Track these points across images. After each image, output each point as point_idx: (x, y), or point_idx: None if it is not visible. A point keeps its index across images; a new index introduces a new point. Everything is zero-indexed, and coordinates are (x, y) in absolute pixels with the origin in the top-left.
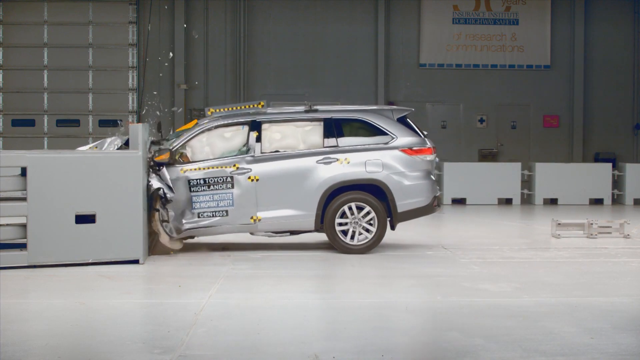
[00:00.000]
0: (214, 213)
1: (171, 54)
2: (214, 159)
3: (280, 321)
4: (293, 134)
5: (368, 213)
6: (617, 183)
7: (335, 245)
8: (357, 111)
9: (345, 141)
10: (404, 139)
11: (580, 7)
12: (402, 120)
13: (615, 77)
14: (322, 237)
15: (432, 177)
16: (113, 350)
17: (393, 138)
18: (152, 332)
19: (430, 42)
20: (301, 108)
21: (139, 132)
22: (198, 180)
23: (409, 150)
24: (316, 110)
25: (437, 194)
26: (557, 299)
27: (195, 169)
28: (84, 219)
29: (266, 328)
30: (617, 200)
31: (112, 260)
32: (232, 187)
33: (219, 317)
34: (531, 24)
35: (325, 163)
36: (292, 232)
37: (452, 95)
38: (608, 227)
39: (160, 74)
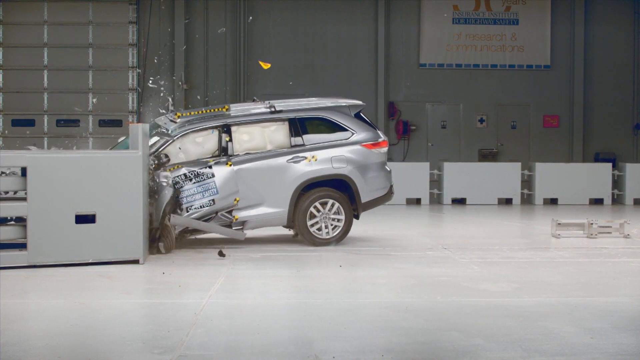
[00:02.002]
0: (201, 205)
1: (183, 47)
2: (188, 161)
3: (280, 321)
4: (263, 135)
5: (337, 207)
6: (617, 183)
7: (307, 239)
8: (318, 109)
9: (310, 139)
10: (363, 133)
11: (580, 7)
12: (358, 115)
13: (615, 77)
14: None
15: (386, 167)
16: (113, 350)
17: (353, 133)
18: (152, 332)
19: (430, 42)
20: (261, 106)
21: (139, 132)
22: (180, 177)
23: (368, 144)
24: (280, 111)
25: (392, 183)
26: (557, 299)
27: (175, 167)
28: (84, 219)
29: (266, 328)
30: (617, 200)
31: (112, 260)
32: (214, 176)
33: (219, 317)
34: (531, 24)
35: (295, 162)
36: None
37: (452, 95)
38: (608, 227)
39: (159, 72)
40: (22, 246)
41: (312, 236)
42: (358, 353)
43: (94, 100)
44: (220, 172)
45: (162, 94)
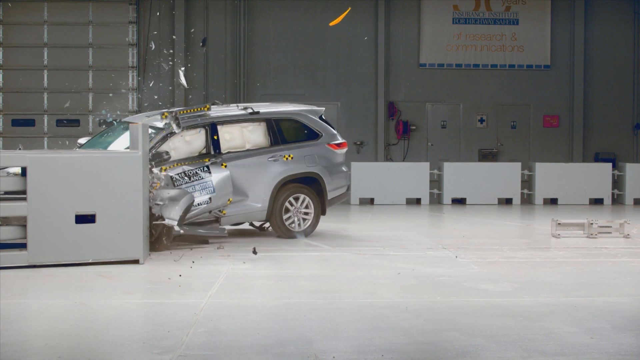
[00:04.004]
0: (199, 202)
1: (204, 43)
2: (184, 158)
3: (280, 321)
4: (245, 134)
5: (307, 202)
6: (617, 183)
7: (283, 232)
8: (290, 112)
9: (285, 139)
10: (328, 135)
11: (580, 7)
12: (321, 119)
13: (615, 77)
14: (321, 237)
15: (344, 167)
16: (113, 350)
17: (320, 135)
18: (152, 332)
19: (430, 42)
20: (234, 108)
21: (139, 132)
22: (180, 174)
23: (333, 145)
24: (258, 112)
25: (349, 183)
26: (557, 299)
27: (175, 165)
28: (84, 219)
29: (266, 328)
30: (617, 200)
31: (112, 260)
32: (211, 175)
33: (219, 317)
34: (531, 24)
35: (274, 160)
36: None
37: (452, 95)
38: (608, 227)
39: (159, 72)
40: (22, 246)
41: (287, 229)
42: (358, 353)
43: (92, 97)
44: (217, 173)
45: (183, 86)
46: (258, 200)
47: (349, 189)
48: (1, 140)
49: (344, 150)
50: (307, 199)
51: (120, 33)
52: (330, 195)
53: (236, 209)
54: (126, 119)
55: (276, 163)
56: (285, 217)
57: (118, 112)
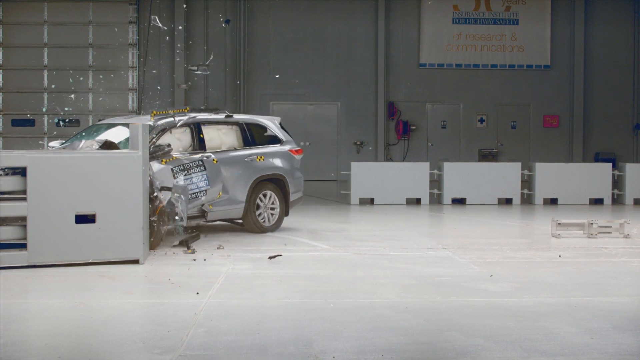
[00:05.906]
0: (197, 194)
1: (212, 56)
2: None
3: (280, 321)
4: (224, 135)
5: (273, 199)
6: (617, 183)
7: (257, 227)
8: (257, 119)
9: (256, 142)
10: (288, 141)
11: (580, 7)
12: (280, 126)
13: (615, 77)
14: (322, 237)
15: (300, 173)
16: (113, 350)
17: (282, 141)
18: (152, 332)
19: (430, 42)
20: (207, 113)
21: (139, 132)
22: (179, 167)
23: (293, 150)
24: (232, 116)
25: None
26: (557, 299)
27: (172, 159)
28: (84, 219)
29: (266, 328)
30: (617, 200)
31: (112, 260)
32: (206, 169)
33: (219, 317)
34: (531, 24)
35: (250, 160)
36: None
37: (452, 95)
38: (608, 227)
39: (154, 71)
40: (22, 246)
41: (260, 224)
42: (358, 353)
43: (93, 98)
44: (210, 168)
45: (199, 84)
46: (237, 197)
47: (302, 194)
48: (1, 140)
49: (301, 156)
50: (274, 195)
51: (120, 33)
52: (292, 198)
53: (220, 205)
54: (103, 121)
55: (252, 163)
56: (258, 212)
57: (68, 109)
